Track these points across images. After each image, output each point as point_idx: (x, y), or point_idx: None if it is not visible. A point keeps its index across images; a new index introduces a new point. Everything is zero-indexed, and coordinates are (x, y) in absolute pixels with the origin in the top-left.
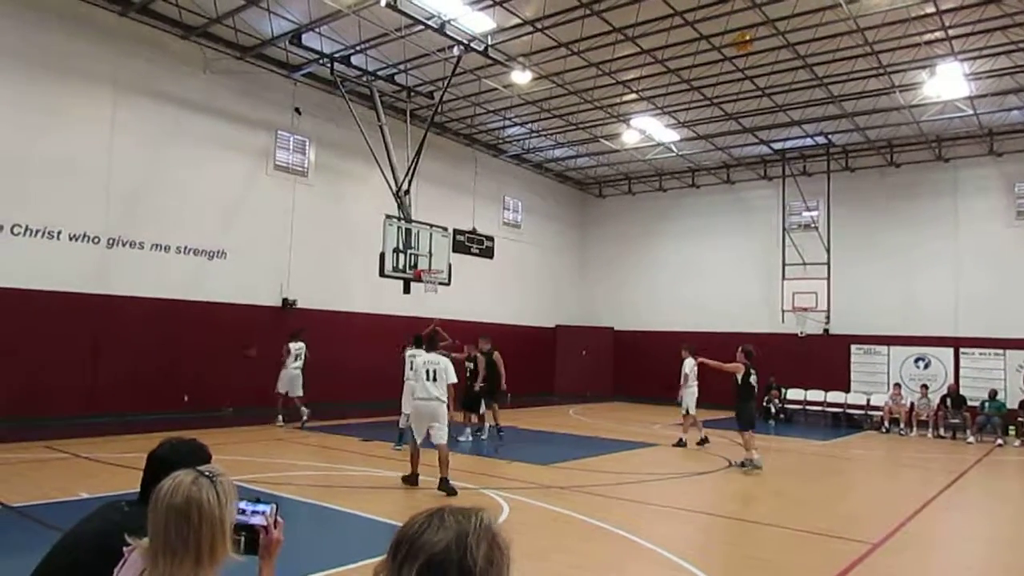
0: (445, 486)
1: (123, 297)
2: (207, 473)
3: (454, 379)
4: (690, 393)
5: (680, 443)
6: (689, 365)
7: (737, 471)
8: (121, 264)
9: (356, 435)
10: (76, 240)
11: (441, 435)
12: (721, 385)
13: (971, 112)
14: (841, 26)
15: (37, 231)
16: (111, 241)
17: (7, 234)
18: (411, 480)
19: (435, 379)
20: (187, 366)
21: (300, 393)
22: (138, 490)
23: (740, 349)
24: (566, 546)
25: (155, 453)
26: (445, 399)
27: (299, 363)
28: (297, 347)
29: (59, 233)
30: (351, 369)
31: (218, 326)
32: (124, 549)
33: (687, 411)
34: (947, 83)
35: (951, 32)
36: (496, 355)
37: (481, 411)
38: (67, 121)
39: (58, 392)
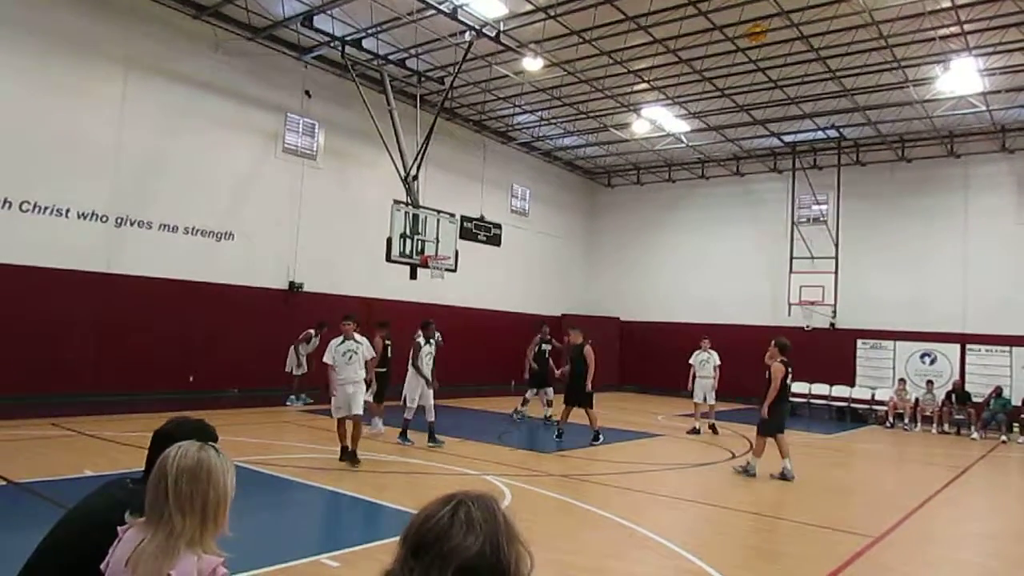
0: (350, 456)
1: (131, 276)
2: (211, 445)
3: (369, 355)
4: (708, 384)
5: (710, 430)
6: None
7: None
8: (129, 243)
9: (362, 420)
10: (84, 218)
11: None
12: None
13: (984, 108)
14: (856, 19)
15: (46, 208)
16: (119, 220)
17: (16, 211)
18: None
19: (350, 361)
20: (193, 347)
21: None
22: (143, 468)
23: (774, 344)
24: (566, 533)
25: (161, 430)
26: (360, 379)
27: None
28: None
29: (67, 211)
30: None
31: (225, 307)
32: (119, 528)
33: (705, 399)
34: (961, 78)
35: (966, 27)
36: (587, 349)
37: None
38: (77, 99)
39: (65, 370)
